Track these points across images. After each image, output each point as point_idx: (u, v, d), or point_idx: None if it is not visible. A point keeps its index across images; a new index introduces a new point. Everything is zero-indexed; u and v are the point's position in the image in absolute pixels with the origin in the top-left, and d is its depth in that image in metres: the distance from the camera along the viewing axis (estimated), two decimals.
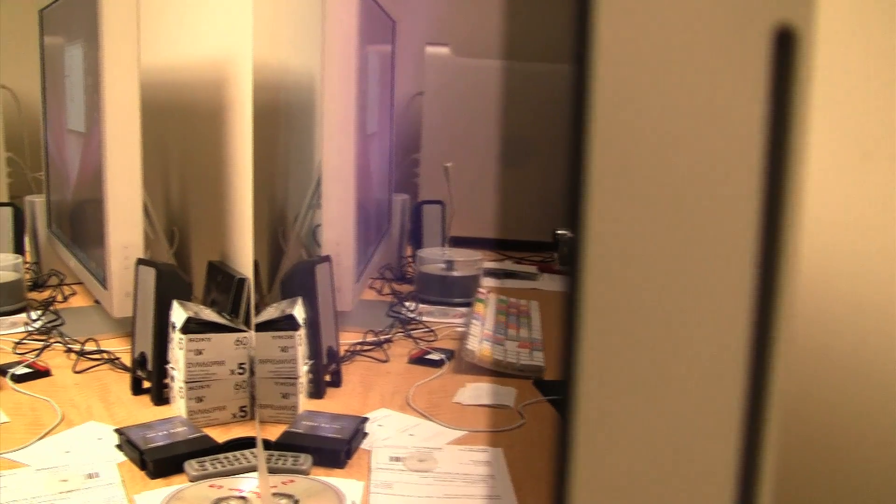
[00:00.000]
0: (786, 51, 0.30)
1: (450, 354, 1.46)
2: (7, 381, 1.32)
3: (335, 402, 1.26)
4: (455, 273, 1.84)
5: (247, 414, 1.17)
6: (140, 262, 1.28)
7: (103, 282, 1.45)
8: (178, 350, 1.15)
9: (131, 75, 1.36)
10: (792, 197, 0.30)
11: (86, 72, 1.50)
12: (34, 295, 1.83)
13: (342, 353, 1.36)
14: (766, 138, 0.30)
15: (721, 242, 0.32)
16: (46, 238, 1.95)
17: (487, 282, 1.98)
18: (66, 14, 1.69)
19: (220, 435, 1.13)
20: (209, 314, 1.21)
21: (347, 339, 1.49)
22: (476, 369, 1.36)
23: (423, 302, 1.78)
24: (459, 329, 1.61)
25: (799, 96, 0.30)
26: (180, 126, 1.82)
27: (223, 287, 1.44)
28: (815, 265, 0.63)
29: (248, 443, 1.08)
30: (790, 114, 0.30)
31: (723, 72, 0.30)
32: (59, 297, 1.81)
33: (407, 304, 1.75)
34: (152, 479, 1.01)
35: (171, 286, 1.25)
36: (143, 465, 1.03)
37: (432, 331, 1.60)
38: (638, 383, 0.34)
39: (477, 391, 1.30)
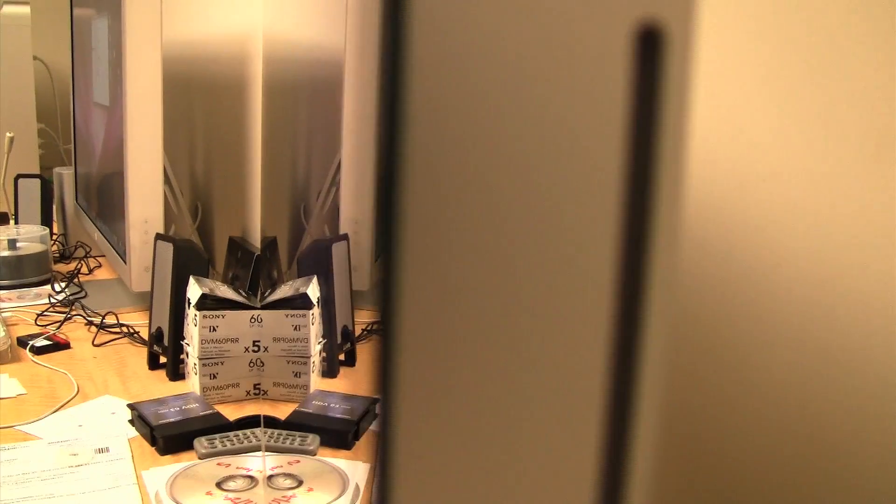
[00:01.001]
0: (654, 49, 0.28)
1: None
2: (27, 352, 1.33)
3: (348, 382, 1.26)
4: None
5: (260, 391, 1.17)
6: (158, 236, 1.28)
7: (123, 256, 1.45)
8: (193, 326, 1.15)
9: (154, 48, 1.35)
10: (662, 203, 0.28)
11: (110, 45, 1.50)
12: (60, 266, 1.84)
13: (357, 332, 1.35)
14: (629, 142, 0.28)
15: (579, 251, 0.30)
16: (74, 210, 1.96)
17: None
18: None
19: (232, 412, 1.13)
20: (225, 290, 1.21)
21: (363, 318, 1.48)
22: None
23: None
24: None
25: (670, 97, 0.28)
26: (205, 101, 1.82)
27: (243, 263, 1.44)
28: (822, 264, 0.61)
29: (258, 421, 1.08)
30: (657, 116, 0.28)
31: (575, 72, 0.28)
32: (84, 270, 1.82)
33: None
34: (162, 455, 1.01)
35: (188, 262, 1.24)
36: (153, 441, 1.03)
37: None
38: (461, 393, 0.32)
39: None
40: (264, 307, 1.16)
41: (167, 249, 1.25)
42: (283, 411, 1.10)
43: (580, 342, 0.31)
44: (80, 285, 1.66)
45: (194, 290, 1.17)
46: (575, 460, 0.32)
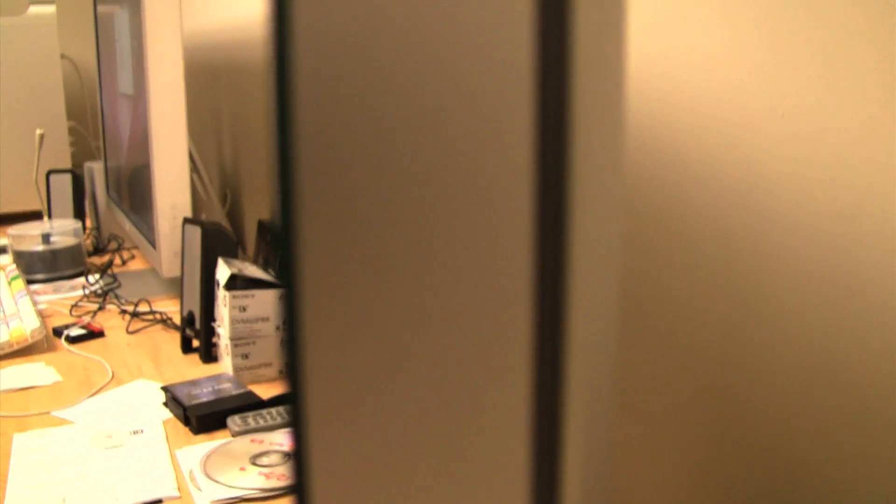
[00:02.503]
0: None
1: None
2: (62, 341, 1.34)
3: None
4: None
5: None
6: (186, 220, 1.28)
7: (153, 242, 1.45)
8: (223, 307, 1.15)
9: (174, 37, 1.35)
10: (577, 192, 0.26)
11: (132, 36, 1.50)
12: (94, 259, 1.85)
13: None
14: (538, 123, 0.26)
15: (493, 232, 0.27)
16: (105, 203, 1.97)
17: None
18: None
19: (266, 392, 1.13)
20: (254, 270, 1.21)
21: None
22: None
23: None
24: None
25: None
26: (231, 87, 1.81)
27: (273, 245, 1.44)
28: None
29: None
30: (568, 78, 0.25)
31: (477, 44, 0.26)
32: (118, 261, 1.83)
33: None
34: (195, 434, 1.01)
35: (217, 244, 1.24)
36: (187, 422, 1.03)
37: None
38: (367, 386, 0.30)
39: None
40: None
41: (195, 233, 1.25)
42: None
43: (496, 349, 0.29)
44: (113, 276, 1.67)
45: (223, 272, 1.17)
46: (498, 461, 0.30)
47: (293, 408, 0.33)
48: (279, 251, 0.34)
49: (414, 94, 0.28)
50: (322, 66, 0.30)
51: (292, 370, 0.33)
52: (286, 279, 0.32)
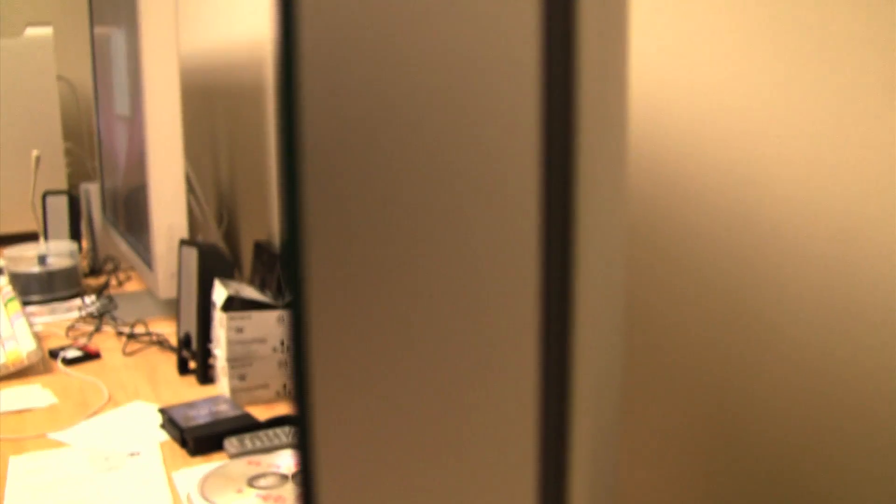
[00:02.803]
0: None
1: None
2: (58, 364, 1.33)
3: None
4: None
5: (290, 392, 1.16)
6: (182, 242, 1.28)
7: (149, 264, 1.45)
8: (220, 328, 1.15)
9: (170, 58, 1.36)
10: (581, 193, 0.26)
11: (128, 56, 1.51)
12: (91, 281, 1.85)
13: None
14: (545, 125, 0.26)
15: (501, 235, 0.27)
16: (102, 224, 1.97)
17: None
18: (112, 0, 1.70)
19: (263, 413, 1.13)
20: (250, 292, 1.21)
21: None
22: None
23: None
24: None
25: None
26: (226, 108, 1.82)
27: (270, 266, 1.44)
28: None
29: (289, 420, 1.07)
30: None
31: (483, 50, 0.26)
32: (114, 283, 1.83)
33: None
34: (192, 456, 1.00)
35: (213, 265, 1.24)
36: (184, 444, 1.02)
37: None
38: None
39: None
40: None
41: (191, 254, 1.25)
42: None
43: (502, 347, 0.29)
44: (109, 297, 1.66)
45: (220, 293, 1.17)
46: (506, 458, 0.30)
47: (299, 417, 0.33)
48: (281, 262, 0.34)
49: (419, 99, 0.28)
50: (328, 77, 0.30)
51: (298, 378, 0.33)
52: (292, 280, 0.32)
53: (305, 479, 0.34)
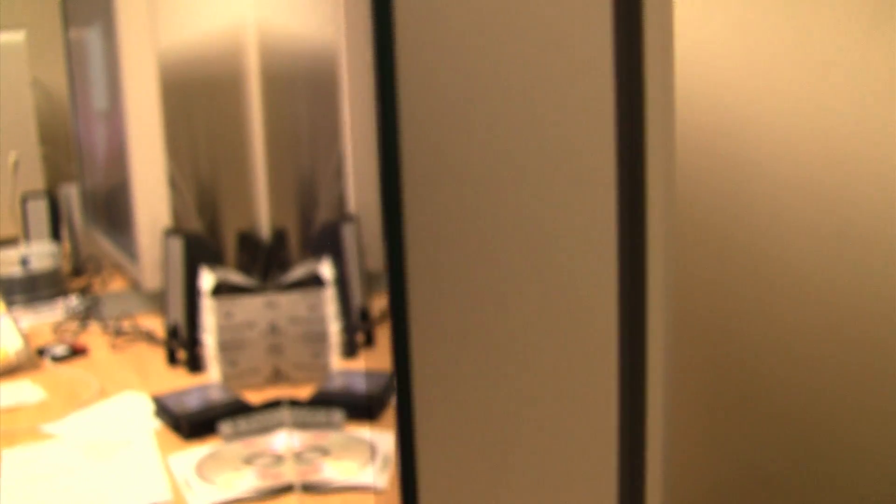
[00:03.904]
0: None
1: None
2: (47, 361, 1.33)
3: (368, 362, 1.25)
4: None
5: (281, 375, 1.17)
6: (167, 232, 1.28)
7: (134, 257, 1.45)
8: (210, 314, 1.15)
9: (147, 52, 1.35)
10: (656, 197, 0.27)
11: (105, 53, 1.50)
12: (73, 282, 1.84)
13: (375, 313, 1.34)
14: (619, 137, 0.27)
15: (580, 241, 0.28)
16: (82, 225, 1.96)
17: None
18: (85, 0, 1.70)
19: (255, 397, 1.12)
20: (237, 278, 1.20)
21: (380, 299, 1.48)
22: None
23: None
24: None
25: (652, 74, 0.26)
26: (204, 99, 1.81)
27: (255, 256, 1.44)
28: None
29: (281, 403, 1.08)
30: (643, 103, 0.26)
31: (562, 68, 0.27)
32: (98, 282, 1.82)
33: None
34: (187, 440, 1.00)
35: (199, 254, 1.24)
36: (177, 429, 1.02)
37: None
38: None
39: None
40: (278, 290, 1.16)
41: (177, 243, 1.25)
42: (305, 393, 1.10)
43: (586, 337, 0.29)
44: (94, 297, 1.66)
45: (207, 280, 1.16)
46: (592, 453, 0.30)
47: (400, 402, 0.34)
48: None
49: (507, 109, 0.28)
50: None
51: (400, 369, 0.34)
52: (394, 271, 0.32)
53: (406, 469, 0.34)
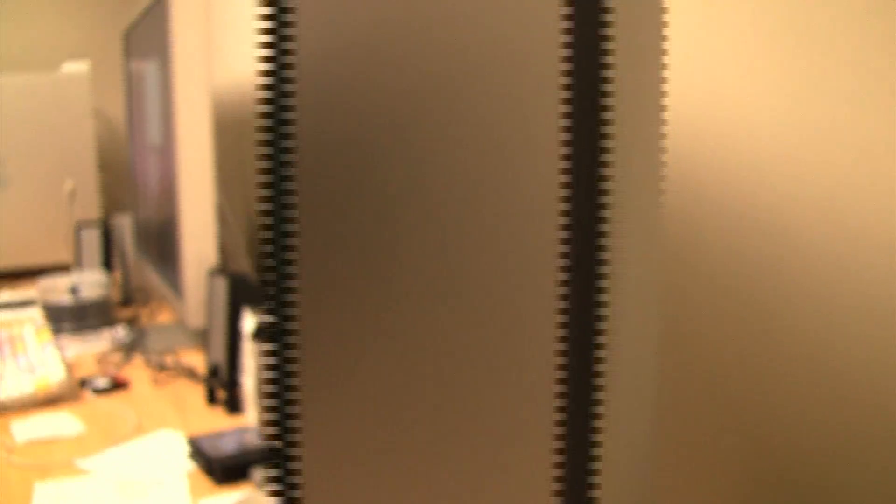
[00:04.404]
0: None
1: None
2: (88, 392, 1.33)
3: None
4: None
5: None
6: (212, 271, 1.28)
7: (180, 293, 1.45)
8: (249, 357, 1.14)
9: (202, 86, 1.36)
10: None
11: (160, 87, 1.52)
12: (122, 311, 1.85)
13: None
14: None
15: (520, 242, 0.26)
16: (134, 256, 1.98)
17: None
18: (145, 33, 1.72)
19: None
20: None
21: None
22: None
23: None
24: None
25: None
26: (256, 137, 1.83)
27: None
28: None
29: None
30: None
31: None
32: (145, 314, 1.83)
33: None
34: (219, 485, 0.99)
35: (242, 294, 1.24)
36: (211, 472, 1.01)
37: None
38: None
39: None
40: None
41: (221, 283, 1.25)
42: None
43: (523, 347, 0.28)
44: (140, 328, 1.67)
45: (249, 322, 1.16)
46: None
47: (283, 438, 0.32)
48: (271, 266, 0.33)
49: (442, 98, 0.27)
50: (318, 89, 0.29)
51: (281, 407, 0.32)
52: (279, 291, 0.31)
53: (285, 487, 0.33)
